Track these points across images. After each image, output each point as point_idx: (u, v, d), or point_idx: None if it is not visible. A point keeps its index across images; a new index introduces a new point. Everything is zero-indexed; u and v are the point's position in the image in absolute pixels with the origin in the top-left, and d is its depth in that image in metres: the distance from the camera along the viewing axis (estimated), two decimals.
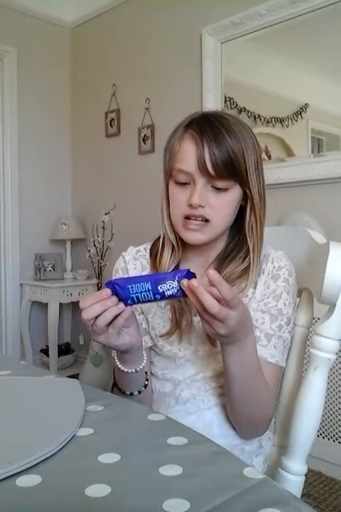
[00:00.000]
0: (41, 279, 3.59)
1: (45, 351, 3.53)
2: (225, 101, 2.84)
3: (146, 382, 0.96)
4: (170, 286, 0.78)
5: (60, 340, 3.60)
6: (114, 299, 0.79)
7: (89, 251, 3.39)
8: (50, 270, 3.64)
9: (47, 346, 3.47)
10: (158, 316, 1.02)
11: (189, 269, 0.79)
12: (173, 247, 1.01)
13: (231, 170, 0.90)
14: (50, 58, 3.77)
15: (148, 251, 1.07)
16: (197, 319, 0.99)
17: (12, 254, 3.61)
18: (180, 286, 0.77)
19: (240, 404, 0.91)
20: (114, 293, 0.79)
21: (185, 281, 0.77)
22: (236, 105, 2.80)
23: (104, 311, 0.79)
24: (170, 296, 0.79)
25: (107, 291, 0.79)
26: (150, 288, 0.78)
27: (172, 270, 0.99)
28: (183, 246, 1.02)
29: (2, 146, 3.57)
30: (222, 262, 0.99)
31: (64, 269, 3.72)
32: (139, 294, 0.78)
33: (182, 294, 0.78)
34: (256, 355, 0.89)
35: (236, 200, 0.94)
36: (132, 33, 3.39)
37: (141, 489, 0.54)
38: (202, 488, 0.54)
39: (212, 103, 2.78)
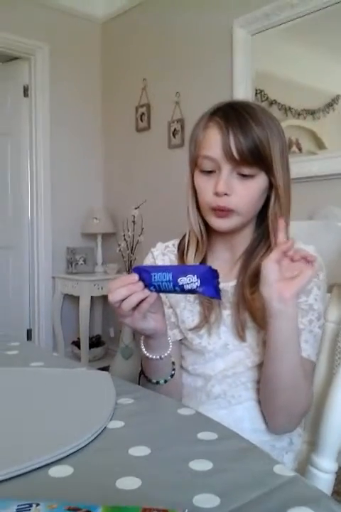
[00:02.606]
0: (73, 273, 3.64)
1: (77, 343, 3.59)
2: (256, 93, 2.81)
3: (173, 372, 0.97)
4: (189, 280, 0.78)
5: (91, 332, 3.65)
6: (141, 284, 0.81)
7: (119, 245, 3.42)
8: (82, 264, 3.69)
9: (79, 338, 3.52)
10: (187, 310, 1.02)
11: (210, 266, 0.80)
12: (198, 242, 1.01)
13: (256, 156, 0.90)
14: (81, 54, 3.80)
15: (176, 246, 1.07)
16: (226, 313, 0.99)
17: (44, 247, 3.68)
18: (200, 282, 0.78)
19: (281, 388, 0.90)
20: (141, 278, 0.81)
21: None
22: (267, 98, 2.77)
23: (130, 295, 0.81)
24: (190, 291, 0.79)
25: (135, 276, 0.81)
26: (170, 279, 0.79)
27: (195, 265, 1.00)
28: (210, 241, 1.03)
29: (35, 141, 3.63)
30: (249, 256, 0.99)
31: (95, 263, 3.77)
32: (160, 283, 0.80)
33: (202, 290, 0.79)
34: (297, 329, 0.89)
35: (261, 187, 0.94)
36: (162, 27, 3.39)
37: (170, 483, 0.55)
38: (233, 484, 0.54)
39: (243, 96, 2.75)
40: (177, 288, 0.79)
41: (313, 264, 0.83)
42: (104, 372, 0.92)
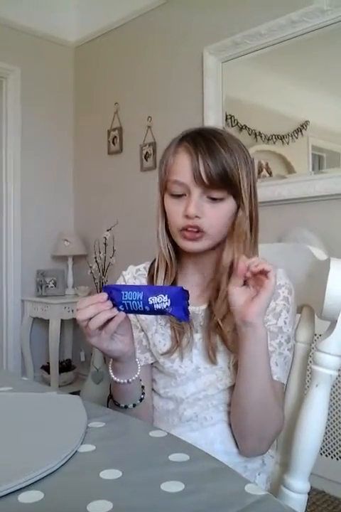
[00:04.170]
0: (42, 296, 3.59)
1: (46, 368, 3.52)
2: (226, 119, 2.86)
3: (142, 396, 0.96)
4: (160, 300, 0.79)
5: (61, 356, 3.59)
6: (109, 303, 0.81)
7: (90, 267, 3.40)
8: (52, 286, 3.64)
9: (48, 363, 3.45)
10: (159, 333, 1.02)
11: (182, 287, 0.80)
12: (168, 265, 1.02)
13: (225, 180, 0.92)
14: (54, 77, 3.81)
15: (147, 269, 1.08)
16: (197, 336, 1.00)
17: (14, 270, 3.62)
18: (170, 303, 0.78)
19: (251, 408, 0.90)
20: (110, 298, 0.81)
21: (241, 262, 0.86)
22: (237, 123, 2.83)
23: (97, 314, 0.80)
24: (159, 311, 0.80)
25: (103, 295, 0.81)
26: (141, 298, 0.79)
27: (167, 286, 1.00)
28: (181, 265, 1.03)
29: (5, 163, 3.60)
30: (219, 278, 1.00)
31: (65, 286, 3.73)
32: (130, 302, 0.80)
33: (171, 311, 0.79)
34: (267, 350, 0.90)
35: (231, 210, 0.95)
36: (134, 52, 3.43)
37: (142, 506, 0.54)
38: (204, 505, 0.54)
39: (213, 121, 2.80)
40: (146, 307, 0.79)
41: (271, 274, 0.84)
42: (74, 396, 0.91)
